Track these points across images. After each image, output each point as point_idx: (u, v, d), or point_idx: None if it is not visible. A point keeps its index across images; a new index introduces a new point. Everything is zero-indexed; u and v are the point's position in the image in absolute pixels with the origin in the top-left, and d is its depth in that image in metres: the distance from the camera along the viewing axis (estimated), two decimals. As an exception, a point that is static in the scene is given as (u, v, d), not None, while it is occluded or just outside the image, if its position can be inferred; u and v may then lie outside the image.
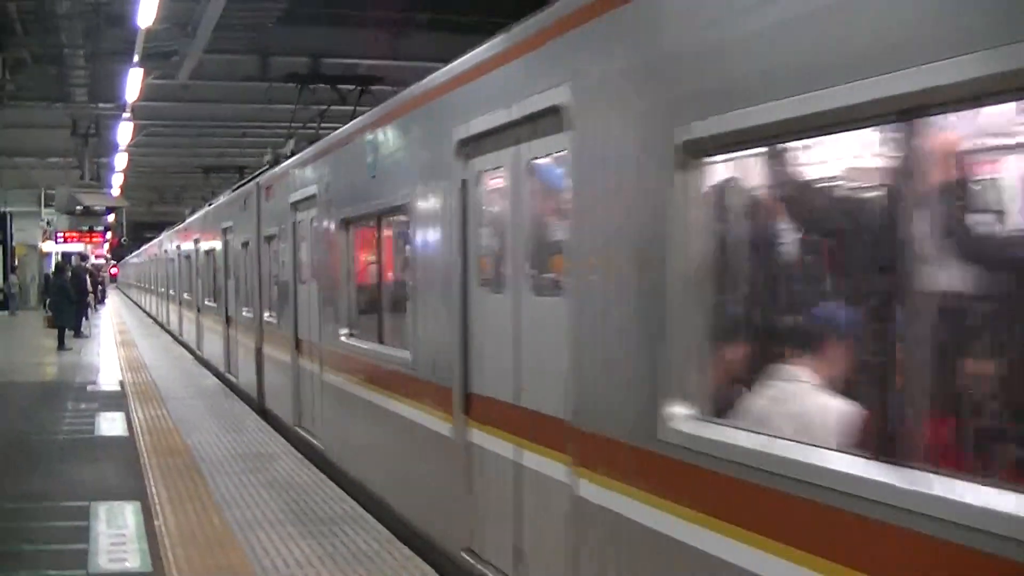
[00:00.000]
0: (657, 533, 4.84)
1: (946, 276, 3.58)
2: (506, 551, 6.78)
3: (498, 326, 6.90)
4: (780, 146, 4.26)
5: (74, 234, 49.31)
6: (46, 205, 46.34)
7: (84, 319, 33.40)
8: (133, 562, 8.27)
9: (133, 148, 36.32)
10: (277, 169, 15.92)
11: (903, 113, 3.44)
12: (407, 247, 9.03)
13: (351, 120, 11.62)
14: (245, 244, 18.03)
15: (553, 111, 5.90)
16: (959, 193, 3.64)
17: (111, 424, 15.06)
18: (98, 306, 49.38)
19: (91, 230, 49.52)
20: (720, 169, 4.58)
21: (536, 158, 6.38)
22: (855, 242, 4.00)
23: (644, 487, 4.97)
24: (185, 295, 29.38)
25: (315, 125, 19.70)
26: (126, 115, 28.79)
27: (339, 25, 24.06)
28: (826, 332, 4.18)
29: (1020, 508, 3.01)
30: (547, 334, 6.10)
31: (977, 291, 3.54)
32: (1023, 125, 3.33)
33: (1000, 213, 3.55)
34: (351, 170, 10.83)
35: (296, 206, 13.53)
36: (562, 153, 5.88)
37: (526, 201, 6.53)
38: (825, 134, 3.92)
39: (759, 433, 4.23)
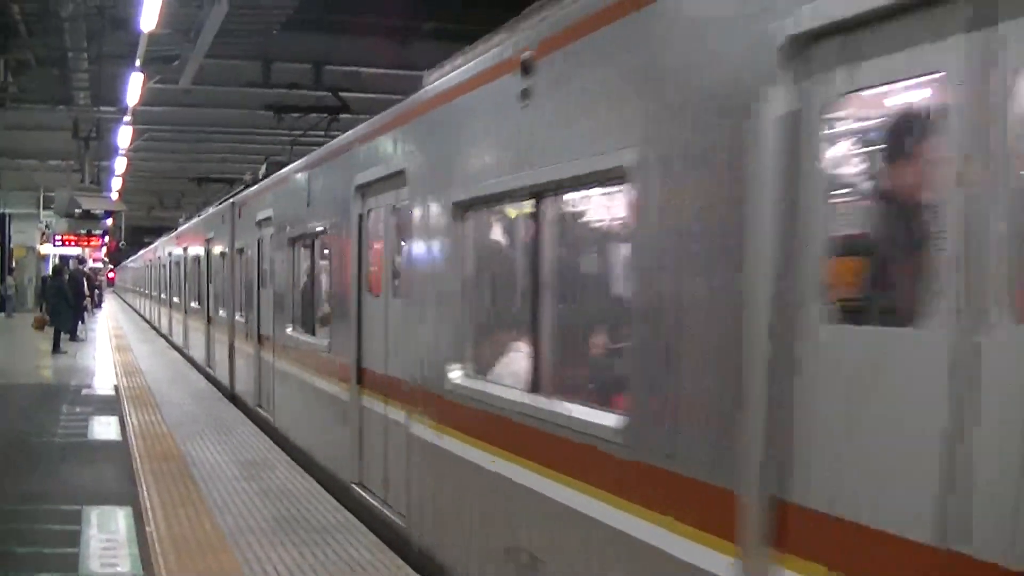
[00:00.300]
0: (447, 451, 7.64)
1: (570, 291, 6.51)
2: (379, 481, 9.57)
3: (376, 320, 9.74)
4: (496, 207, 7.33)
5: (72, 237, 49.19)
6: (45, 207, 46.33)
7: (80, 323, 33.34)
8: (124, 567, 8.25)
9: (133, 152, 36.32)
10: (248, 191, 18.86)
11: (534, 194, 6.33)
12: (328, 261, 12.04)
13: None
14: (223, 254, 20.65)
15: (401, 172, 8.78)
16: (573, 240, 6.58)
17: (105, 428, 15.03)
18: (95, 310, 49.33)
19: (89, 233, 49.39)
20: (474, 220, 7.50)
21: (396, 204, 9.19)
22: (528, 267, 6.54)
23: (439, 421, 7.81)
24: (175, 299, 31.91)
25: (312, 139, 20.25)
26: (127, 119, 28.80)
27: (342, 33, 24.08)
28: (529, 321, 6.49)
29: (602, 419, 5.36)
30: (399, 324, 8.88)
31: (584, 301, 6.53)
32: (597, 202, 6.23)
33: (601, 254, 6.44)
34: (295, 199, 13.58)
35: (260, 224, 16.22)
36: (406, 202, 8.69)
37: (391, 232, 9.46)
38: (508, 202, 7.02)
39: (491, 382, 7.09)
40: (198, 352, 24.79)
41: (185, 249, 28.69)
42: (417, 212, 8.34)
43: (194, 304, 26.09)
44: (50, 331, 29.02)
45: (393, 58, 23.84)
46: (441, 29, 22.26)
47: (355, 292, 10.29)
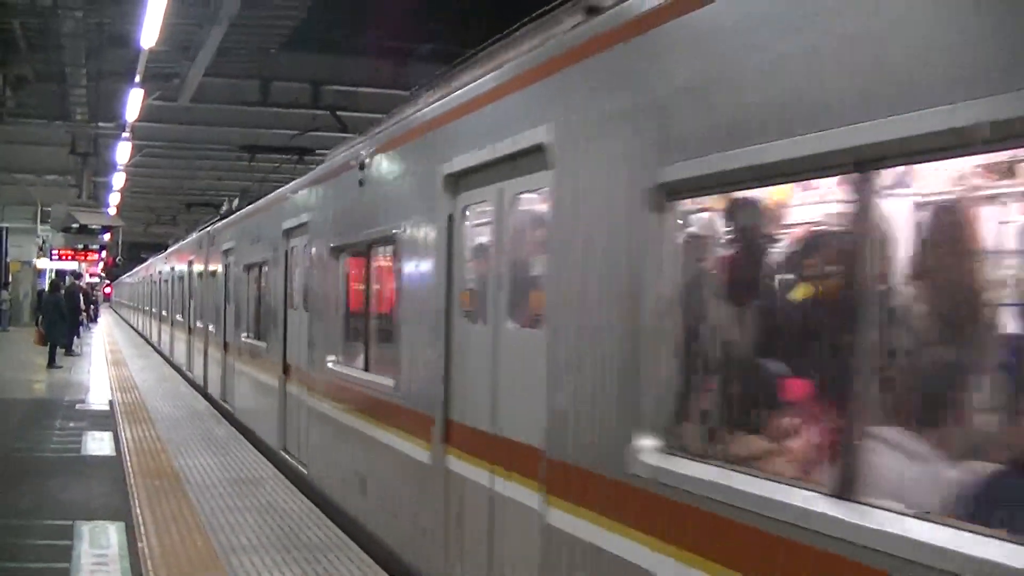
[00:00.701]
0: (325, 414, 11.32)
1: (378, 308, 10.12)
2: (297, 444, 12.99)
3: (294, 327, 13.30)
4: (353, 253, 10.87)
5: (69, 252, 49.15)
6: (42, 222, 46.34)
7: (76, 337, 33.31)
8: (115, 583, 8.26)
9: (131, 168, 36.34)
10: (218, 224, 22.84)
11: (367, 246, 10.12)
12: (265, 284, 15.78)
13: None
14: (200, 275, 24.49)
15: (307, 223, 12.60)
16: (380, 277, 10.11)
17: (99, 443, 15.05)
18: (90, 324, 49.24)
19: (86, 248, 49.36)
20: (343, 259, 11.16)
21: (305, 245, 12.73)
22: (364, 293, 10.50)
23: (322, 394, 11.51)
24: (163, 312, 35.67)
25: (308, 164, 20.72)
26: (125, 135, 28.85)
27: (341, 53, 24.16)
28: (364, 326, 10.36)
29: (388, 383, 9.03)
30: (308, 329, 12.30)
31: (383, 314, 9.90)
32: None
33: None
34: (248, 235, 17.54)
35: (225, 253, 19.99)
36: (310, 244, 12.45)
37: (302, 264, 13.03)
38: (357, 250, 10.59)
39: (347, 366, 10.83)
40: (180, 359, 28.73)
41: (172, 268, 32.53)
42: (315, 251, 12.07)
43: (179, 317, 29.59)
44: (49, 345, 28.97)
45: (391, 78, 23.92)
46: (439, 50, 22.32)
47: (283, 307, 14.06)
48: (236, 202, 23.26)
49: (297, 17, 20.45)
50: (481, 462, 6.88)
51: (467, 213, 7.37)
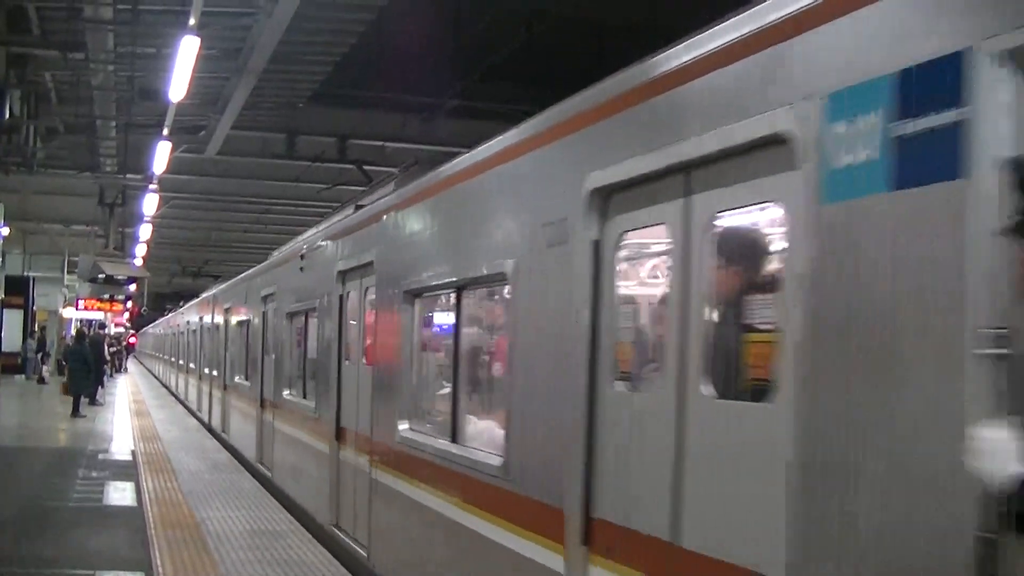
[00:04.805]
0: (281, 431, 15.43)
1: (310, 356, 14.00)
2: (270, 460, 16.30)
3: (268, 369, 16.81)
4: (299, 317, 14.86)
5: (94, 302, 49.44)
6: (69, 272, 46.67)
7: (100, 387, 33.43)
8: (135, 634, 8.24)
9: (158, 219, 36.71)
10: (219, 288, 26.76)
11: (302, 312, 14.45)
12: (250, 338, 19.43)
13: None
14: (206, 328, 27.72)
15: (274, 292, 16.38)
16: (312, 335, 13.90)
17: (121, 494, 15.05)
18: (115, 374, 49.41)
19: (112, 299, 49.66)
20: (295, 321, 15.21)
21: (274, 309, 16.54)
22: (303, 345, 14.65)
23: (276, 417, 15.83)
24: (178, 360, 38.90)
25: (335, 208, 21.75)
26: (152, 187, 29.14)
27: (367, 108, 24.39)
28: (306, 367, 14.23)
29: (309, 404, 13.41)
30: (273, 371, 16.16)
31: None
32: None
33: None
34: (240, 299, 21.03)
35: (226, 311, 23.19)
36: (275, 309, 16.62)
37: (272, 323, 16.95)
38: (300, 314, 14.65)
39: (296, 397, 14.61)
40: (183, 392, 34.76)
41: (187, 322, 35.09)
42: (280, 314, 15.68)
43: (208, 370, 29.80)
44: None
45: (418, 133, 24.13)
46: (465, 107, 22.53)
47: (260, 354, 17.70)
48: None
49: (324, 72, 20.67)
50: None
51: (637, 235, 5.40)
